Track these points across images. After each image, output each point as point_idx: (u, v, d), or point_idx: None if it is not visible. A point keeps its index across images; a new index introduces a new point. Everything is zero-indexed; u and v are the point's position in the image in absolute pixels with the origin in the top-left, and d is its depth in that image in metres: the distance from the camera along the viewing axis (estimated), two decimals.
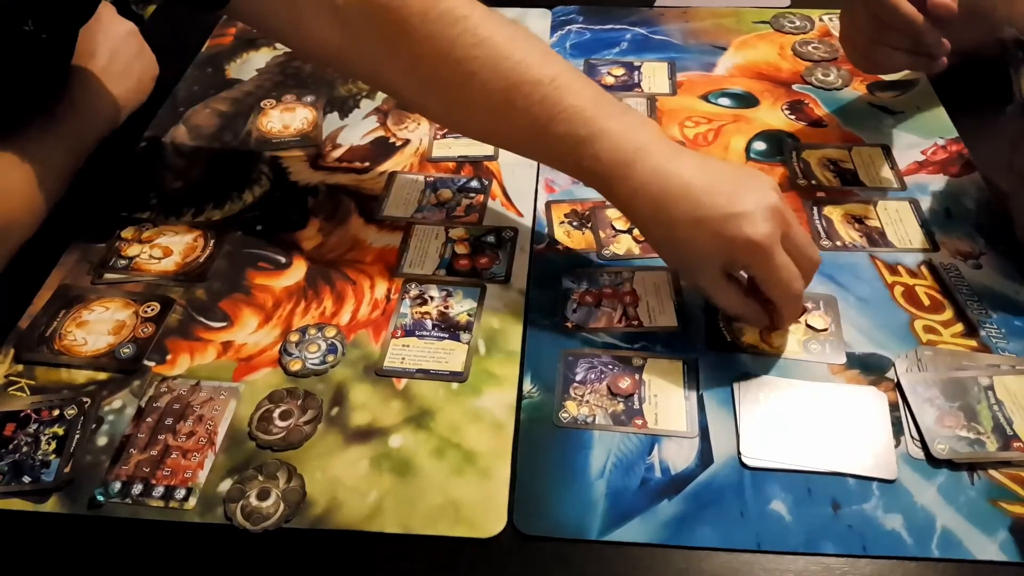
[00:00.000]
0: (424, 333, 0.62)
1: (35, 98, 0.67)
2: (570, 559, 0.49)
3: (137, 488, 0.53)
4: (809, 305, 0.62)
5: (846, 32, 0.80)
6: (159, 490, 0.53)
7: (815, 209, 0.71)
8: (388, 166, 0.78)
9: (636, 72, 0.88)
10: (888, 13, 0.69)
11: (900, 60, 0.74)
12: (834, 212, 0.71)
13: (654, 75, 0.88)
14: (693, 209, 0.55)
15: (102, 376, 0.60)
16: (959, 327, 0.61)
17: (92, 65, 0.74)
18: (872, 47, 0.74)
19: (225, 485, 0.53)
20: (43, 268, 0.67)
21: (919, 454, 0.53)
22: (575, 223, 0.71)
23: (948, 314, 0.62)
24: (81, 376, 0.60)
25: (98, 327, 0.62)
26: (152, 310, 0.63)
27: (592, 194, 0.73)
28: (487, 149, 0.78)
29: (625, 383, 0.57)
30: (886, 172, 0.75)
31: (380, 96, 0.86)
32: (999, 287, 0.64)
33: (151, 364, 0.60)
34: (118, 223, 0.71)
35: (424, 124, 0.82)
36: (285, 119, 0.83)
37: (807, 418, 0.55)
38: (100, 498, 0.52)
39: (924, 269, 0.65)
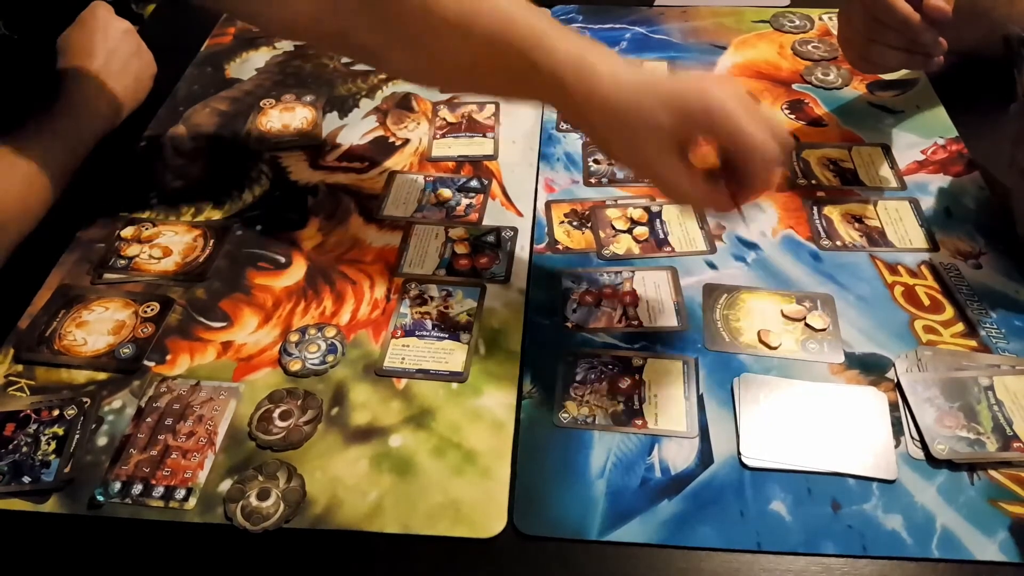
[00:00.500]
0: (424, 333, 0.62)
1: (12, 100, 0.67)
2: (570, 559, 0.50)
3: (137, 488, 0.53)
4: (807, 304, 0.62)
5: (843, 31, 0.80)
6: (159, 490, 0.53)
7: (815, 209, 0.71)
8: (388, 165, 0.78)
9: None
10: (884, 12, 0.69)
11: (896, 59, 0.74)
12: (834, 212, 0.71)
13: None
14: (653, 86, 0.53)
15: (102, 376, 0.60)
16: (959, 327, 0.61)
17: (89, 64, 0.74)
18: (869, 46, 0.74)
19: (225, 485, 0.53)
20: (43, 268, 0.67)
21: (919, 454, 0.53)
22: (575, 223, 0.71)
23: (948, 314, 0.62)
24: (81, 376, 0.60)
25: (98, 327, 0.62)
26: (152, 310, 0.63)
27: (592, 194, 0.73)
28: (486, 149, 0.79)
29: (625, 383, 0.57)
30: (886, 171, 0.75)
31: (379, 95, 0.86)
32: (999, 287, 0.64)
33: (151, 364, 0.60)
34: (118, 223, 0.71)
35: (424, 123, 0.82)
36: (285, 118, 0.83)
37: (807, 418, 0.55)
38: (100, 498, 0.52)
39: (924, 269, 0.65)
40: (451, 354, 0.60)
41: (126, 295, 0.65)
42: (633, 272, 0.66)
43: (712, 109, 0.51)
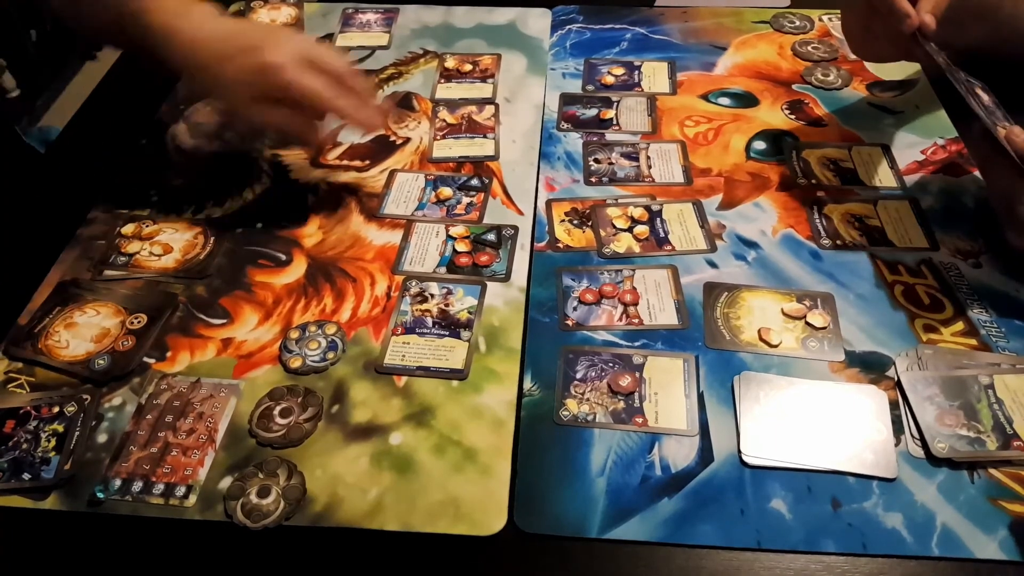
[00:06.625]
0: (424, 330, 0.62)
1: None
2: (570, 557, 0.49)
3: (137, 485, 0.53)
4: (808, 303, 0.63)
5: (845, 20, 0.79)
6: (159, 487, 0.52)
7: (815, 208, 0.71)
8: (388, 164, 0.78)
9: (636, 72, 0.88)
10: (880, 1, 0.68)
11: (889, 50, 0.73)
12: (834, 211, 0.71)
13: (654, 75, 0.88)
14: (225, 50, 0.66)
15: None
16: (959, 325, 0.61)
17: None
18: (866, 35, 0.74)
19: (225, 482, 0.53)
20: (44, 265, 0.67)
21: (919, 452, 0.53)
22: (575, 221, 0.71)
23: (948, 312, 0.62)
24: None
25: (84, 331, 0.62)
26: (139, 322, 0.63)
27: (593, 193, 0.73)
28: (487, 149, 0.79)
29: (625, 381, 0.57)
30: (886, 171, 0.75)
31: (380, 95, 0.86)
32: (999, 286, 0.64)
33: (151, 361, 0.60)
34: (118, 220, 0.71)
35: (424, 123, 0.82)
36: (272, 15, 0.94)
37: (807, 416, 0.55)
38: (100, 495, 0.52)
39: (924, 268, 0.66)
40: (452, 351, 0.60)
41: (119, 301, 0.64)
42: (634, 270, 0.66)
43: (271, 70, 0.64)
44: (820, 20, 0.96)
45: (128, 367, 0.59)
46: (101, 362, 0.60)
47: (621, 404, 0.56)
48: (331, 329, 0.62)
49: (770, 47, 0.92)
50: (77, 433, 0.55)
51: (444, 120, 0.82)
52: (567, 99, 0.85)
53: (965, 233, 0.68)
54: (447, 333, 0.61)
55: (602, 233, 0.69)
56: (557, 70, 0.89)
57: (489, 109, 0.83)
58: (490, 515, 0.51)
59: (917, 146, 0.78)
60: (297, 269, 0.67)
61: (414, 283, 0.65)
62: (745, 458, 0.53)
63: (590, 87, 0.87)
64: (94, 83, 0.91)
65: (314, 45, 0.68)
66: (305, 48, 0.66)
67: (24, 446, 0.55)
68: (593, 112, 0.83)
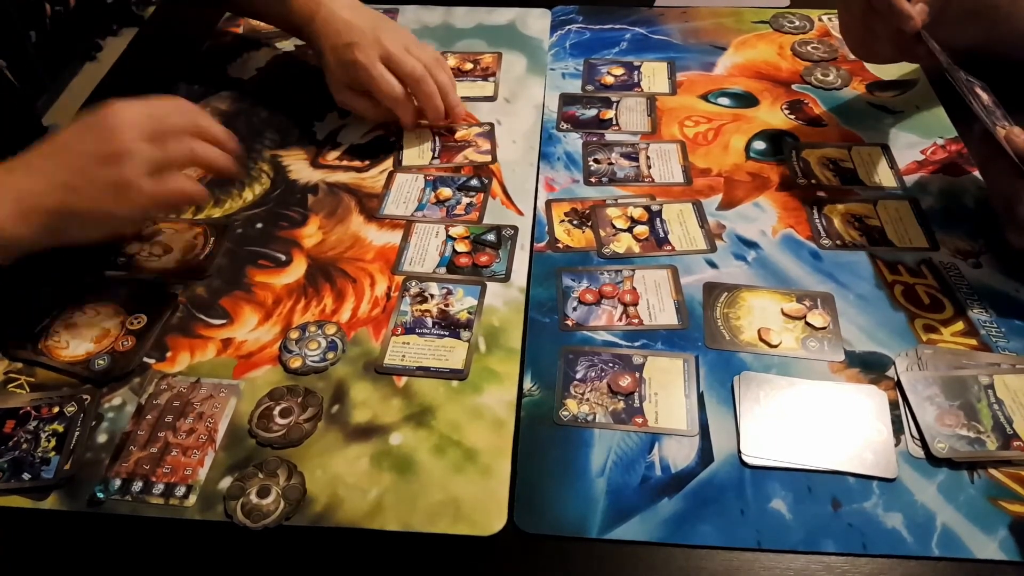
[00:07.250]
0: (424, 331, 0.62)
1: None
2: (570, 557, 0.49)
3: (137, 485, 0.53)
4: (808, 303, 0.63)
5: (843, 18, 0.79)
6: (159, 487, 0.52)
7: (815, 208, 0.71)
8: (388, 164, 0.78)
9: (636, 72, 0.88)
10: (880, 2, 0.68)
11: (891, 50, 0.73)
12: (834, 211, 0.71)
13: (654, 75, 0.88)
14: (333, 42, 0.77)
15: None
16: (959, 325, 0.61)
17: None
18: (865, 33, 0.74)
19: (225, 482, 0.53)
20: (43, 265, 0.67)
21: (919, 453, 0.53)
22: (575, 222, 0.71)
23: (948, 312, 0.62)
24: None
25: (85, 332, 0.62)
26: (139, 322, 0.63)
27: (592, 193, 0.73)
28: (423, 158, 0.78)
29: (625, 381, 0.57)
30: (886, 171, 0.75)
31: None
32: (999, 286, 0.64)
33: (151, 361, 0.60)
34: None
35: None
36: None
37: (807, 416, 0.55)
38: (100, 495, 0.52)
39: (924, 268, 0.66)
40: (451, 352, 0.60)
41: (119, 302, 0.64)
42: (633, 271, 0.66)
43: (358, 68, 0.75)
44: (820, 20, 0.96)
45: (128, 367, 0.59)
46: (101, 362, 0.60)
47: (621, 404, 0.56)
48: (331, 329, 0.62)
49: (770, 47, 0.92)
50: (77, 433, 0.55)
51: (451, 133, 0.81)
52: (567, 99, 0.85)
53: (965, 233, 0.68)
54: (447, 333, 0.61)
55: (602, 233, 0.69)
56: (557, 70, 0.89)
57: (487, 159, 0.78)
58: (490, 515, 0.51)
59: (917, 146, 0.78)
60: (297, 269, 0.67)
61: (414, 283, 0.65)
62: (745, 458, 0.53)
63: (590, 87, 0.87)
64: (94, 83, 0.91)
65: (402, 46, 0.76)
66: (392, 49, 0.75)
67: (24, 446, 0.55)
68: (593, 112, 0.83)
